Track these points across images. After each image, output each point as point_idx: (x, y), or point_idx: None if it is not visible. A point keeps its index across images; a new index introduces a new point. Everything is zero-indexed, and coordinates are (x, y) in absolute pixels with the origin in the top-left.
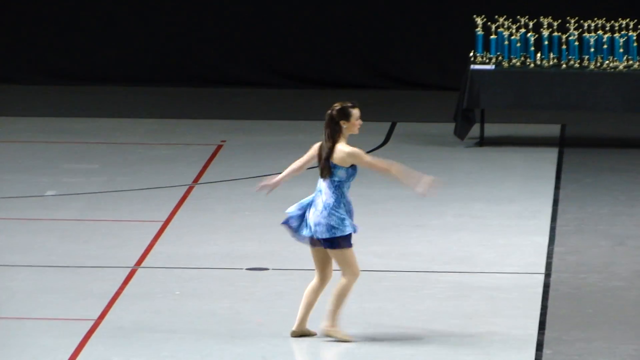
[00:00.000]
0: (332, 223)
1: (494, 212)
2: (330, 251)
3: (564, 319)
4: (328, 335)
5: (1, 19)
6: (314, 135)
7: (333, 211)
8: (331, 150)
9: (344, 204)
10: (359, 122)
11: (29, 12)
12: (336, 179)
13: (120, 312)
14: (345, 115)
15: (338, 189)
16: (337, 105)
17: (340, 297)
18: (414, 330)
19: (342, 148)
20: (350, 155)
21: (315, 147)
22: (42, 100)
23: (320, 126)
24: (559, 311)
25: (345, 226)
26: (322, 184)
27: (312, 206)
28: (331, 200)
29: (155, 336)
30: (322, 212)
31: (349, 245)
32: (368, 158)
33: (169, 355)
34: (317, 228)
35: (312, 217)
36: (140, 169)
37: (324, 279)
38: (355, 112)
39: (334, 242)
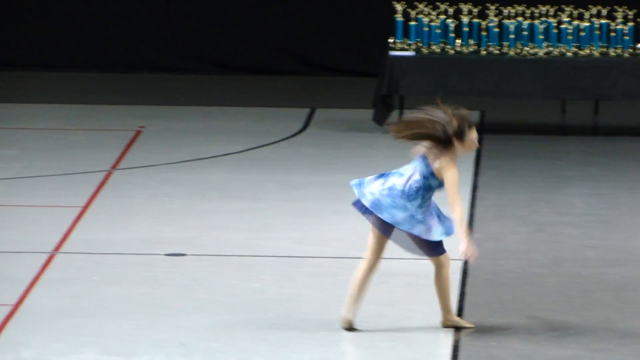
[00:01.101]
0: None
1: None
2: None
3: (482, 306)
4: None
5: None
6: (231, 121)
7: None
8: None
9: None
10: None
11: None
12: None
13: (39, 298)
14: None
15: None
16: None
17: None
18: (333, 316)
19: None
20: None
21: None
22: None
23: (236, 112)
24: (477, 297)
25: None
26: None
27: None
28: None
29: (74, 321)
30: None
31: None
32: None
33: (88, 340)
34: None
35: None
36: (59, 154)
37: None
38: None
39: None
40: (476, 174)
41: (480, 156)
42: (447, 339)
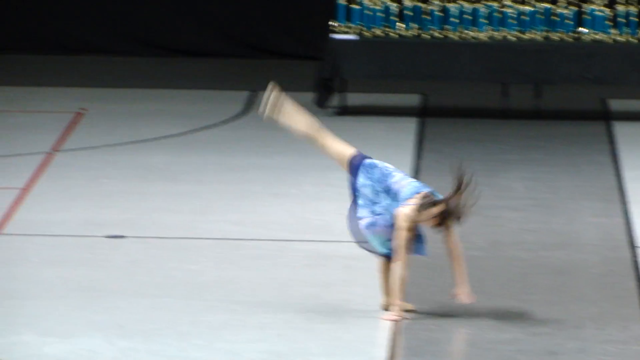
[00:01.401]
0: None
1: None
2: None
3: (422, 288)
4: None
5: None
6: (171, 104)
7: None
8: None
9: None
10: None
11: None
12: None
13: None
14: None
15: None
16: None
17: None
18: (270, 298)
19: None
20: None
21: None
22: None
23: (177, 94)
24: (416, 280)
25: None
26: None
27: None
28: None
29: (13, 303)
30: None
31: None
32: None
33: (26, 322)
34: None
35: None
36: None
37: None
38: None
39: None
40: (417, 157)
41: (421, 139)
42: (385, 322)
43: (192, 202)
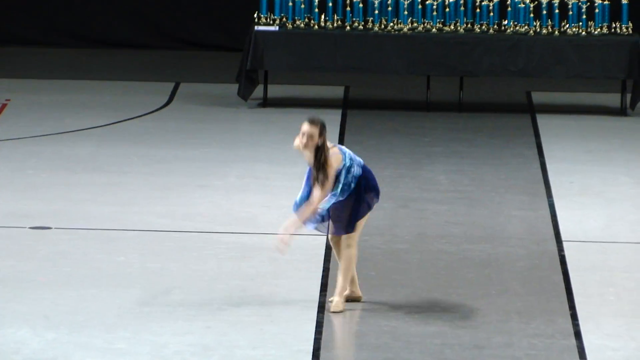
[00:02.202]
0: None
1: (277, 174)
2: None
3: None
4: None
5: None
6: (97, 95)
7: None
8: None
9: None
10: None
11: None
12: None
13: None
14: None
15: None
16: None
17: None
18: (197, 290)
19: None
20: None
21: None
22: None
23: (103, 85)
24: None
25: None
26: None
27: None
28: None
29: None
30: None
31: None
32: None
33: None
34: None
35: None
36: None
37: None
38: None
39: None
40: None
41: (344, 131)
42: (311, 314)
43: (117, 194)
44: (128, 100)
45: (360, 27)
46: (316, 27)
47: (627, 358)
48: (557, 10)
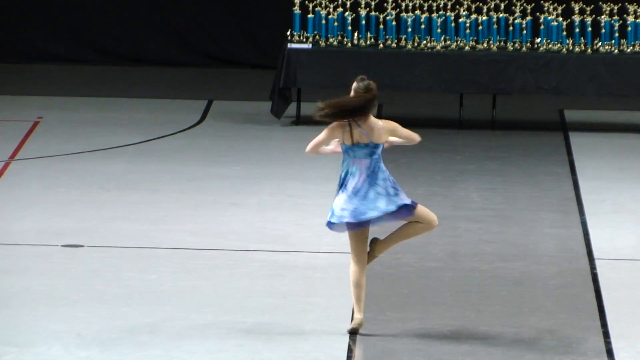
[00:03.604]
0: None
1: (310, 192)
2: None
3: (379, 299)
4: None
5: None
6: (130, 113)
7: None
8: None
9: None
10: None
11: None
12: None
13: None
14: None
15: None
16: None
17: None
18: (229, 308)
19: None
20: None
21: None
22: None
23: (135, 103)
24: (374, 291)
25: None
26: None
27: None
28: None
29: None
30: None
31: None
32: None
33: None
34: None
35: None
36: None
37: None
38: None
39: None
40: None
41: None
42: (342, 332)
43: (149, 212)
44: (160, 118)
45: (393, 45)
46: (349, 44)
47: None
48: (589, 28)
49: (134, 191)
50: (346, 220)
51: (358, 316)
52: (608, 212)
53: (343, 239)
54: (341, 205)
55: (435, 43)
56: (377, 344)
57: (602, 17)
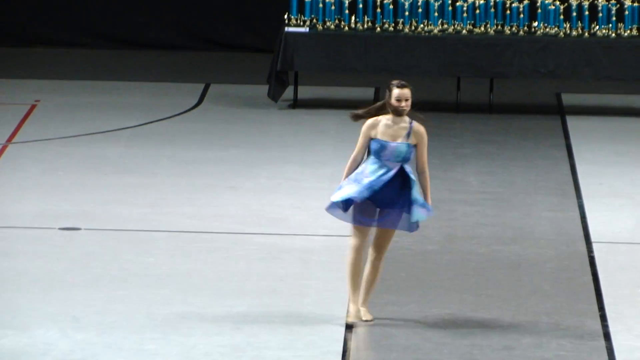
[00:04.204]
0: None
1: (307, 175)
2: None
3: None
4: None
5: None
6: (127, 96)
7: None
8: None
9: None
10: (396, 102)
11: None
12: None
13: None
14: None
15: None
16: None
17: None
18: (226, 291)
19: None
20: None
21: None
22: None
23: (132, 86)
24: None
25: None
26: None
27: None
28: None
29: None
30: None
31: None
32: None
33: None
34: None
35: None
36: None
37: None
38: (395, 91)
39: None
40: None
41: None
42: (340, 315)
43: (147, 195)
44: (158, 102)
45: (391, 28)
46: (346, 28)
47: None
48: (586, 12)
49: (131, 174)
50: (350, 196)
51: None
52: (605, 195)
53: (340, 222)
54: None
55: (432, 27)
56: (374, 327)
57: (600, 0)
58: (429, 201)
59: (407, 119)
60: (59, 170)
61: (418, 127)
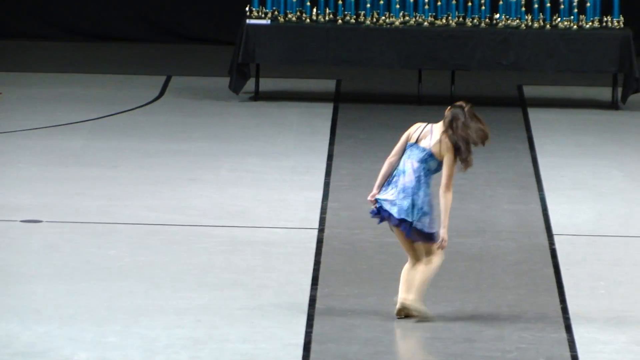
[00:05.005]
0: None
1: (269, 167)
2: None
3: (337, 275)
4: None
5: None
6: (89, 89)
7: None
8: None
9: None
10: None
11: None
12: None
13: None
14: None
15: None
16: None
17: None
18: (188, 283)
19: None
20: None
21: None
22: None
23: (94, 79)
24: (332, 266)
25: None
26: (408, 166)
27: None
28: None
29: None
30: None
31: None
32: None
33: None
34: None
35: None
36: None
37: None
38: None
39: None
40: (331, 143)
41: (336, 125)
42: (301, 308)
43: (108, 187)
44: (119, 94)
45: (352, 20)
46: (308, 20)
47: (617, 351)
48: (548, 4)
49: (93, 167)
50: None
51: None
52: (567, 188)
53: (301, 214)
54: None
55: (394, 19)
56: (335, 319)
57: None
58: None
59: None
60: (20, 163)
61: None
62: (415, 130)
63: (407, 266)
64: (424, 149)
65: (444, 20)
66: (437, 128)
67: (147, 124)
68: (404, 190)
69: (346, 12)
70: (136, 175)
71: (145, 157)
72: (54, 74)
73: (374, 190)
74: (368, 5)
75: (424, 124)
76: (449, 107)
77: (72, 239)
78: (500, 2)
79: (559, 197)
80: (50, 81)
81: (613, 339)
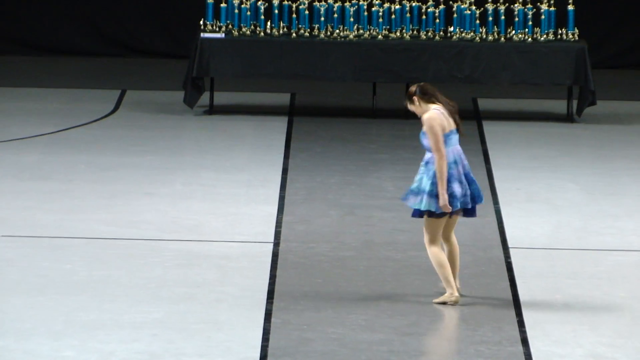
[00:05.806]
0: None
1: (223, 181)
2: None
3: (292, 288)
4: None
5: None
6: (43, 103)
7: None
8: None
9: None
10: None
11: None
12: None
13: None
14: None
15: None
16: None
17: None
18: (143, 297)
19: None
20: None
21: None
22: None
23: (48, 93)
24: (287, 280)
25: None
26: (457, 153)
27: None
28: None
29: None
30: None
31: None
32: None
33: None
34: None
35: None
36: None
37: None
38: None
39: None
40: (286, 156)
41: (290, 138)
42: (257, 321)
43: (63, 201)
44: (74, 108)
45: (307, 34)
46: (262, 34)
47: None
48: (503, 17)
49: (48, 181)
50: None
51: (449, 291)
52: (522, 200)
53: (256, 229)
54: (461, 192)
55: (348, 32)
56: (291, 332)
57: (516, 5)
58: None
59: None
60: None
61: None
62: (441, 119)
63: (445, 253)
64: (456, 131)
65: (398, 34)
66: (439, 108)
67: (102, 138)
68: (467, 176)
69: (300, 26)
70: (91, 190)
71: (100, 171)
72: (7, 89)
73: (445, 195)
74: (322, 18)
75: (438, 110)
76: (413, 88)
77: (28, 253)
78: (455, 15)
79: (514, 210)
80: (4, 95)
81: (570, 352)
